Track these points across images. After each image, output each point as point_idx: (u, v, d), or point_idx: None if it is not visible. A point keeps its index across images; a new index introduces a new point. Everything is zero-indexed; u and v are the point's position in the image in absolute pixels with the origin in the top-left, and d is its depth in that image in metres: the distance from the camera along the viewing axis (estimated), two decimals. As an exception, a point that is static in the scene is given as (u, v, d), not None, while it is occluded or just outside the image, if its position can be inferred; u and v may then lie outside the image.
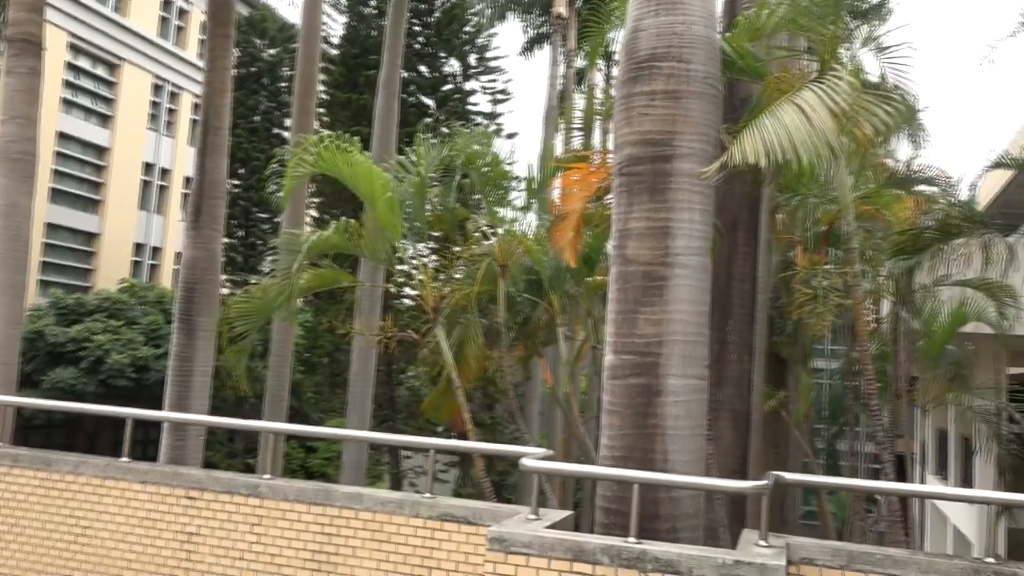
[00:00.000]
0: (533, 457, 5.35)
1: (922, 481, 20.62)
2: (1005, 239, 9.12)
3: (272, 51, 32.65)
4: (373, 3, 27.44)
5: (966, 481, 17.61)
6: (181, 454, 11.87)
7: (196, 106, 37.89)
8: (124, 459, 6.63)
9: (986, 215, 8.80)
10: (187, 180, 37.81)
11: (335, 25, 28.08)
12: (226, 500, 6.21)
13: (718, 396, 10.18)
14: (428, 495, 5.90)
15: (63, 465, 6.64)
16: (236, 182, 30.79)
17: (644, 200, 5.48)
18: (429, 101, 27.35)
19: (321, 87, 30.86)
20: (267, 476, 6.32)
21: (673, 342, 5.34)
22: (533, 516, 5.27)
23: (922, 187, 11.87)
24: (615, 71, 32.29)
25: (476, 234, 9.24)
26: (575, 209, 7.85)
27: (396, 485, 24.83)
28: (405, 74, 27.63)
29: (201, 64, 37.51)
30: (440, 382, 9.37)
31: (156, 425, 28.38)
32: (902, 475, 15.49)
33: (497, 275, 8.97)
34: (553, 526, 5.13)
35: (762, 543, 4.88)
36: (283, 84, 32.75)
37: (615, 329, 5.52)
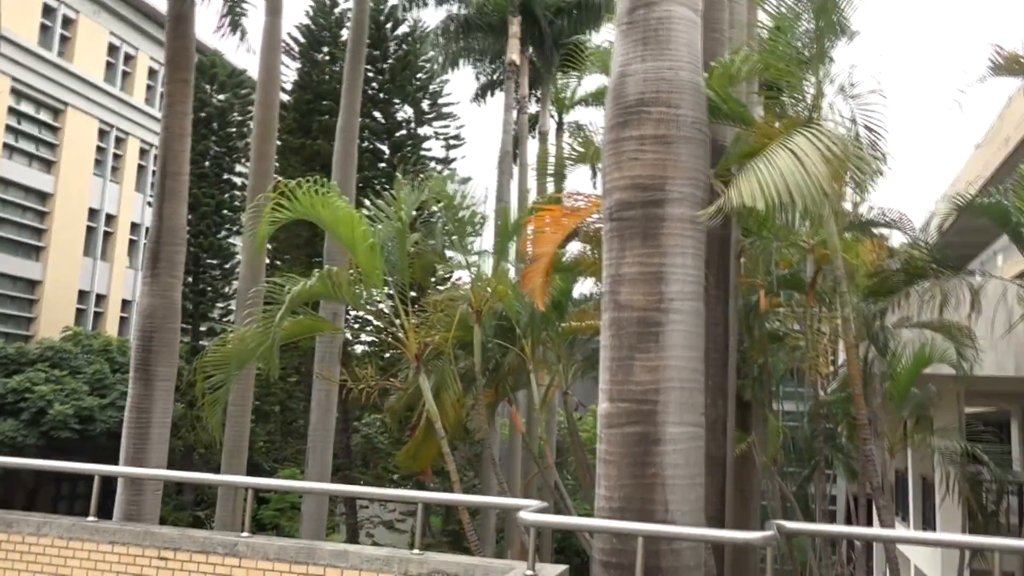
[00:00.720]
0: (529, 510, 5.19)
1: (883, 523, 20.70)
2: (968, 281, 9.28)
3: (222, 96, 32.37)
4: (326, 49, 27.42)
5: (927, 523, 17.78)
6: (138, 509, 11.40)
7: (143, 151, 37.51)
8: (91, 518, 6.30)
9: (944, 257, 9.00)
10: (134, 226, 37.10)
11: (288, 71, 27.93)
12: (201, 560, 5.92)
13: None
14: (416, 551, 5.69)
15: (25, 526, 6.28)
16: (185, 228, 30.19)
17: (636, 245, 5.43)
18: (383, 147, 27.29)
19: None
20: (245, 534, 6.05)
21: (670, 389, 5.26)
22: (531, 572, 5.10)
23: (883, 230, 12.08)
24: (569, 116, 32.52)
25: (450, 279, 9.11)
26: (546, 252, 7.79)
27: (352, 536, 24.23)
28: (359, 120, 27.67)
29: (148, 109, 37.34)
30: (418, 431, 9.16)
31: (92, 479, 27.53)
32: (868, 518, 15.57)
33: (470, 321, 8.84)
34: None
35: (768, 594, 4.79)
36: (232, 129, 32.46)
37: (610, 376, 5.43)
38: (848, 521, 24.02)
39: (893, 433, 12.24)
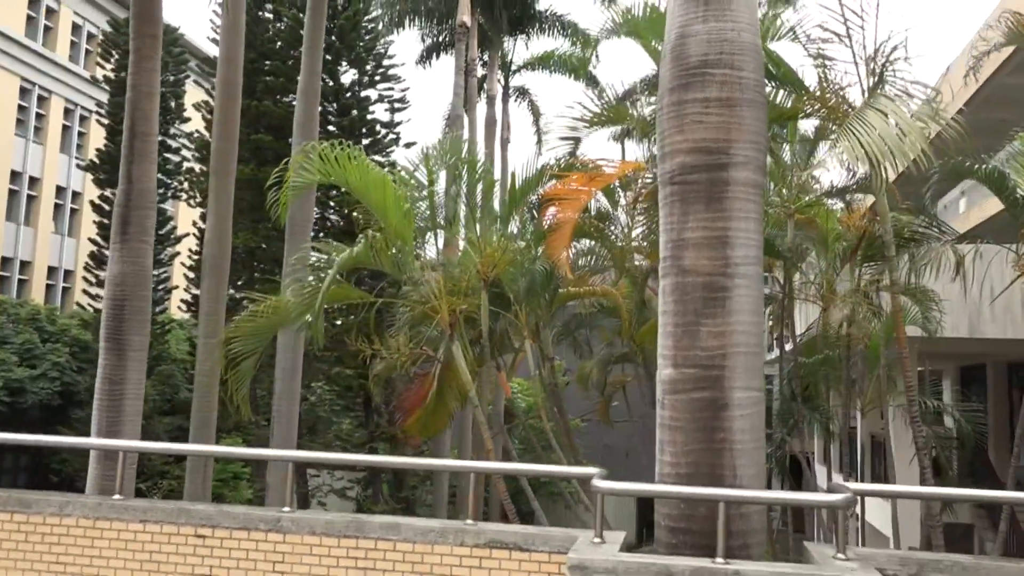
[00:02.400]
0: (598, 478, 5.14)
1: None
2: (954, 248, 9.54)
3: (155, 55, 31.02)
4: (270, 6, 26.48)
5: (879, 479, 18.43)
6: (112, 484, 10.97)
7: (68, 111, 35.88)
8: (117, 496, 6.00)
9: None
10: (59, 190, 35.57)
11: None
12: (242, 537, 5.70)
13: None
14: (470, 521, 5.58)
15: (46, 506, 5.93)
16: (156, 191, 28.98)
17: (700, 209, 5.36)
18: (331, 108, 26.60)
19: (206, 93, 29.59)
20: (287, 509, 5.84)
21: (736, 354, 5.24)
22: (599, 539, 5.05)
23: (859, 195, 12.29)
24: (517, 80, 32.17)
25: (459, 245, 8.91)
26: (569, 219, 7.69)
27: (304, 504, 23.90)
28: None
29: (73, 67, 35.66)
30: (429, 399, 8.99)
31: (37, 451, 26.50)
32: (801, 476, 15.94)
33: (479, 288, 8.67)
34: (626, 549, 4.93)
35: (841, 556, 4.84)
36: (167, 91, 31.19)
37: (674, 342, 5.37)
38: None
39: (865, 394, 12.57)
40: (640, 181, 8.56)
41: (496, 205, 10.44)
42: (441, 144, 8.43)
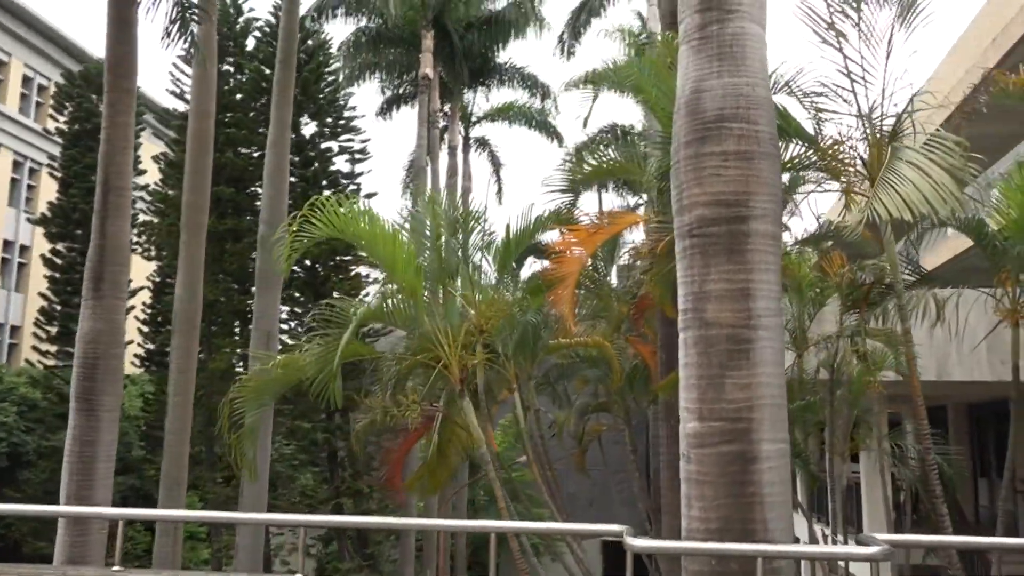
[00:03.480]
0: (628, 535, 5.04)
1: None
2: (935, 295, 9.73)
3: (109, 106, 30.66)
4: (231, 60, 26.41)
5: (849, 523, 18.50)
6: (83, 552, 10.58)
7: (16, 164, 35.12)
8: (117, 568, 5.72)
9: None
10: (6, 244, 34.68)
11: (187, 80, 26.73)
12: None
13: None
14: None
15: (43, 581, 5.63)
16: (73, 245, 28.44)
17: (722, 261, 5.37)
18: (294, 159, 26.46)
19: (165, 146, 29.27)
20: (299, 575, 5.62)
21: (763, 406, 5.22)
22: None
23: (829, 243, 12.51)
24: (477, 131, 32.38)
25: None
26: (572, 272, 7.67)
27: (267, 565, 23.20)
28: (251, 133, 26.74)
29: (23, 119, 35.03)
30: (431, 455, 8.79)
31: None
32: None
33: (471, 339, 8.57)
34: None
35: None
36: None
37: (699, 395, 5.33)
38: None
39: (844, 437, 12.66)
40: (643, 233, 8.67)
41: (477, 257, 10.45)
42: (442, 198, 8.38)
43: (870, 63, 6.07)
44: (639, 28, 30.65)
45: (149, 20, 11.28)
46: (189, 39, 11.52)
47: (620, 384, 12.36)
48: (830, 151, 5.82)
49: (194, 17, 11.13)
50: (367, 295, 27.78)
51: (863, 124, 6.05)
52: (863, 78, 6.11)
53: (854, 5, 5.98)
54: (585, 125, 31.69)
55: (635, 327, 13.02)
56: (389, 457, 10.99)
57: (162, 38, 10.81)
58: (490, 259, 8.76)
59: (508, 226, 8.46)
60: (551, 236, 11.74)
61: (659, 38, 28.46)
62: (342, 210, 7.07)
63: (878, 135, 5.97)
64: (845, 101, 6.26)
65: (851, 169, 6.15)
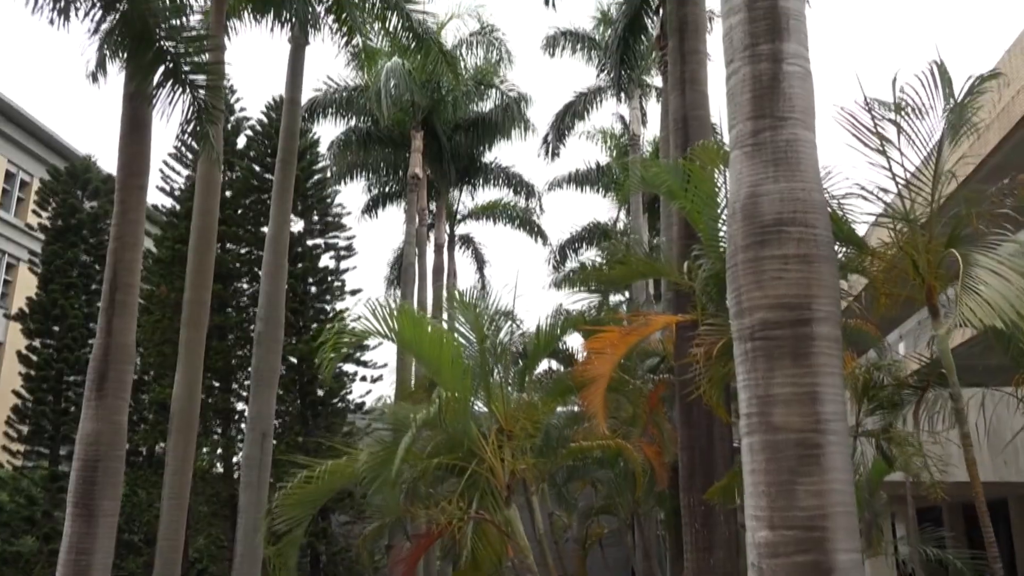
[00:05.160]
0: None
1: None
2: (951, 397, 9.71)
3: (94, 203, 30.54)
4: (215, 156, 26.52)
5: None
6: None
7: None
8: None
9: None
10: (20, 356, 33.92)
11: (177, 178, 26.84)
12: None
13: (710, 561, 9.94)
14: None
15: None
16: (49, 341, 27.88)
17: (787, 365, 5.33)
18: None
19: (152, 242, 29.12)
20: None
21: (836, 514, 5.10)
22: None
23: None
24: (463, 229, 32.62)
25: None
26: (603, 374, 7.59)
27: None
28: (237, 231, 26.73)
29: (2, 214, 34.79)
30: (464, 565, 8.44)
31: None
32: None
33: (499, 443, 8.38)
34: None
35: None
36: (104, 236, 30.58)
37: (768, 502, 5.20)
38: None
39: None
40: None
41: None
42: (481, 299, 8.34)
43: (916, 168, 6.21)
44: (620, 131, 31.52)
45: (163, 120, 11.31)
46: (202, 140, 11.55)
47: (622, 484, 12.14)
48: (880, 256, 5.88)
49: (210, 118, 11.19)
50: (348, 393, 27.48)
51: (914, 229, 6.14)
52: (908, 184, 6.24)
53: (900, 114, 6.15)
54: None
55: (643, 427, 12.89)
56: (398, 562, 10.59)
57: (176, 138, 10.77)
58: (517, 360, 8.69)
59: (538, 327, 8.44)
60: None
61: (644, 141, 29.06)
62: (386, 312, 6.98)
63: (931, 240, 6.06)
64: (889, 205, 6.38)
65: (896, 271, 6.23)
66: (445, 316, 26.15)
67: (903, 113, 6.18)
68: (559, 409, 11.28)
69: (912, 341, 23.86)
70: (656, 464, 12.68)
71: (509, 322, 8.51)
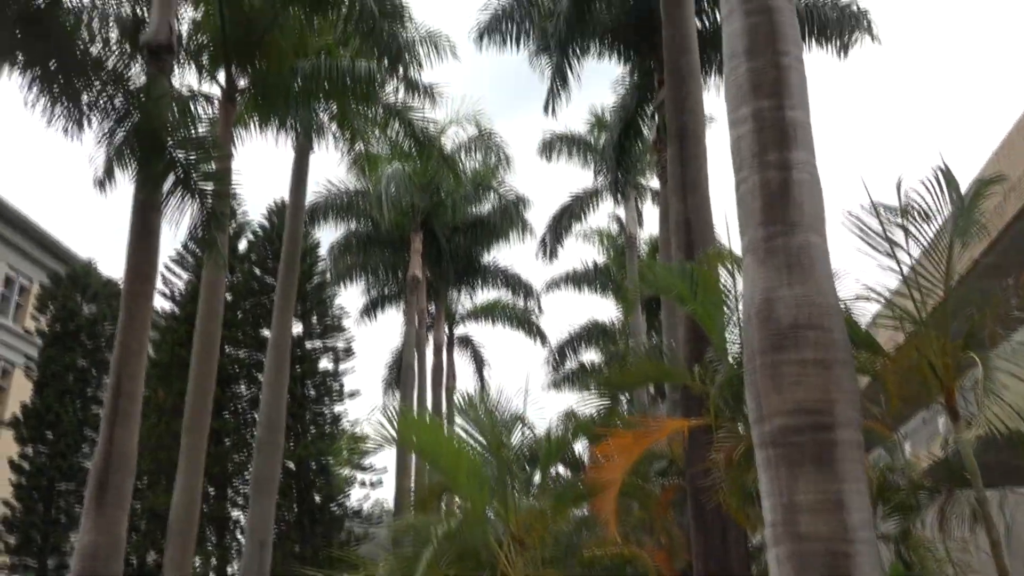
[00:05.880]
0: None
1: None
2: (971, 500, 9.56)
3: (92, 307, 30.57)
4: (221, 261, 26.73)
5: None
6: None
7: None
8: None
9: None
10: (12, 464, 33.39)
11: (177, 281, 26.97)
12: None
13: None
14: None
15: None
16: (43, 448, 27.46)
17: (810, 472, 5.26)
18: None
19: (150, 346, 29.04)
20: None
21: (868, 627, 4.95)
22: None
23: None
24: (461, 330, 32.57)
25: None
26: (614, 480, 7.47)
27: None
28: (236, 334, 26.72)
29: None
30: None
31: None
32: None
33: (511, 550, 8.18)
34: None
35: None
36: (103, 340, 30.50)
37: (800, 615, 5.06)
38: None
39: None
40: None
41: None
42: (499, 407, 8.27)
43: (926, 270, 6.28)
44: (617, 231, 31.92)
45: (173, 227, 11.44)
46: (209, 246, 11.66)
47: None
48: (894, 359, 5.89)
49: (217, 225, 11.33)
50: (346, 499, 26.98)
51: (928, 331, 6.16)
52: (919, 286, 6.29)
53: (907, 218, 6.26)
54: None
55: (654, 533, 12.61)
56: None
57: (184, 244, 10.88)
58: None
59: (548, 432, 8.34)
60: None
61: (641, 241, 29.31)
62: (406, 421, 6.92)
63: (946, 343, 6.09)
64: (899, 307, 6.42)
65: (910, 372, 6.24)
66: (458, 421, 26.00)
67: (910, 217, 6.30)
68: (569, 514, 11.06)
69: (922, 440, 23.59)
70: (667, 572, 12.36)
71: (521, 427, 8.45)
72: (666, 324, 14.04)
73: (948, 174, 6.15)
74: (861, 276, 7.04)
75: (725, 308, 7.67)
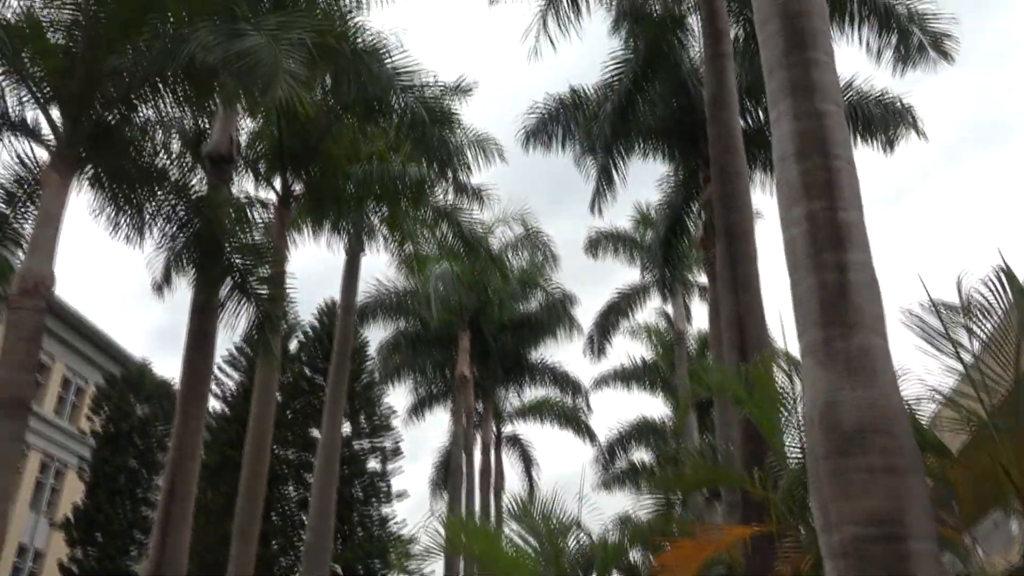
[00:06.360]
0: None
1: None
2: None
3: (145, 408, 30.99)
4: (275, 363, 27.06)
5: None
6: None
7: (44, 465, 34.87)
8: None
9: None
10: (21, 550, 33.56)
11: (229, 382, 27.29)
12: None
13: None
14: None
15: None
16: (92, 550, 27.50)
17: (884, 585, 5.03)
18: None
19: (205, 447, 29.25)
20: None
21: None
22: None
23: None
24: (509, 428, 32.27)
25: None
26: (677, 590, 7.22)
27: None
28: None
29: (57, 421, 35.37)
30: None
31: None
32: None
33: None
34: None
35: None
36: (153, 441, 30.81)
37: None
38: None
39: None
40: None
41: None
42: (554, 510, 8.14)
43: (991, 369, 6.13)
44: (665, 327, 31.73)
45: (228, 330, 11.65)
46: (264, 348, 11.83)
47: None
48: (968, 465, 5.69)
49: (272, 328, 11.52)
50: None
51: (1001, 436, 5.96)
52: (985, 385, 6.13)
53: (969, 317, 6.15)
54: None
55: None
56: None
57: (236, 345, 11.05)
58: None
59: (605, 539, 8.13)
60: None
61: (689, 337, 29.07)
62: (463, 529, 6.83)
63: (1021, 444, 5.87)
64: (964, 408, 6.24)
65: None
66: (513, 527, 25.50)
67: (972, 316, 6.18)
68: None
69: (995, 544, 22.58)
70: None
71: (576, 532, 8.26)
72: (719, 423, 13.77)
73: (1009, 272, 6.05)
74: (923, 375, 6.85)
75: (783, 410, 7.53)
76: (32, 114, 10.75)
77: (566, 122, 19.18)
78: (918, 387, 6.75)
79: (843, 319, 5.78)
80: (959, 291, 6.49)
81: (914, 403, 7.11)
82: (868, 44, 15.95)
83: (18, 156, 10.92)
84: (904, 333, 6.72)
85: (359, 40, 12.76)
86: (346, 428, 27.83)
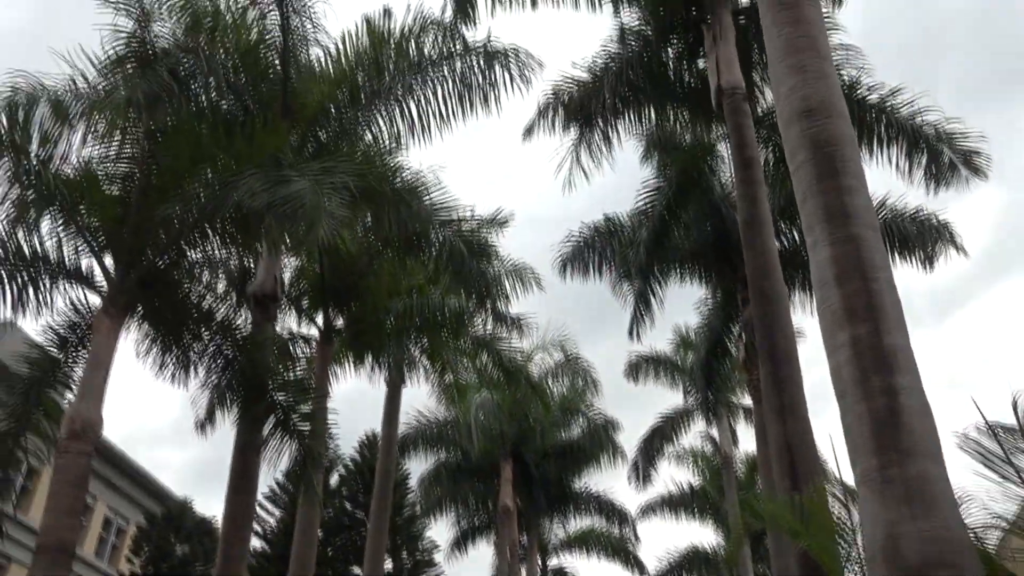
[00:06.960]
0: None
1: None
2: None
3: (186, 547, 30.62)
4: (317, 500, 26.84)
5: None
6: None
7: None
8: None
9: None
10: None
11: (269, 519, 26.98)
12: None
13: None
14: None
15: None
16: None
17: None
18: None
19: None
20: None
21: None
22: None
23: None
24: (554, 560, 31.29)
25: None
26: None
27: None
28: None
29: (95, 562, 35.04)
30: None
31: None
32: None
33: None
34: None
35: None
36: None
37: None
38: None
39: None
40: None
41: None
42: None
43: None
44: (711, 450, 31.04)
45: (270, 468, 11.63)
46: (306, 485, 11.76)
47: None
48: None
49: (314, 464, 11.49)
50: None
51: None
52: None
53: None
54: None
55: None
56: None
57: (277, 481, 11.01)
58: None
59: None
60: None
61: (737, 461, 28.37)
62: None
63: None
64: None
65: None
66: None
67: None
68: None
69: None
70: None
71: None
72: (774, 551, 13.27)
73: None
74: (986, 501, 6.59)
75: (842, 542, 7.25)
76: (86, 262, 11.15)
77: (601, 249, 19.44)
78: (982, 514, 6.47)
79: (897, 445, 5.63)
80: (1016, 412, 6.32)
81: (980, 531, 6.83)
82: (898, 165, 16.06)
83: (71, 303, 11.28)
84: (961, 458, 6.53)
85: (399, 179, 13.19)
86: (388, 564, 27.27)
